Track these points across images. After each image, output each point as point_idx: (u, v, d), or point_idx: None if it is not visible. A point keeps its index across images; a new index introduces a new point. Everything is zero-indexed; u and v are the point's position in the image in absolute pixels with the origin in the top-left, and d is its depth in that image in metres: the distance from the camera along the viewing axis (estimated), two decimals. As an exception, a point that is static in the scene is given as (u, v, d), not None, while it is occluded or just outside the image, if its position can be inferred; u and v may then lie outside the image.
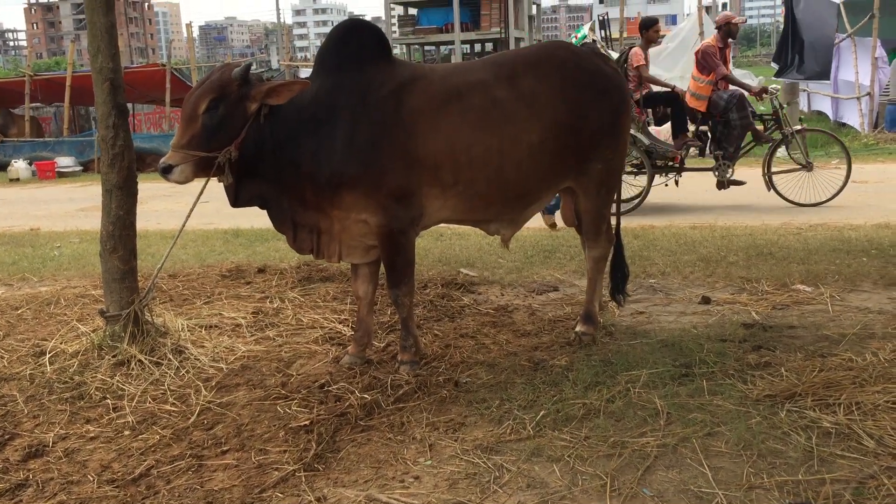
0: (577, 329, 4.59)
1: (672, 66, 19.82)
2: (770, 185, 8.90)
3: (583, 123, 4.22)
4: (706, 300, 5.20)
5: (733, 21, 8.84)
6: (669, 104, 9.13)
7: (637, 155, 8.88)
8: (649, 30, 9.23)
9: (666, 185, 9.31)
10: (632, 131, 8.78)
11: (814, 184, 8.83)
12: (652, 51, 21.84)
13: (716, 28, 9.03)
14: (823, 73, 15.15)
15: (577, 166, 4.32)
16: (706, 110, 8.76)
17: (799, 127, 9.20)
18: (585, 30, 9.96)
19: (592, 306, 4.64)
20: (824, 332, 4.44)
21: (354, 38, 4.07)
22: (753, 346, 4.27)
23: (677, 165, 9.02)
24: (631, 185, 9.10)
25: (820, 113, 21.48)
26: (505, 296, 5.63)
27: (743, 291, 5.38)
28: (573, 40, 9.49)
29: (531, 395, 3.76)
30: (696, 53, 8.97)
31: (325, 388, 3.92)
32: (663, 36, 20.96)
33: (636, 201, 9.01)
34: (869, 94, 16.00)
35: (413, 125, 3.95)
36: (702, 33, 16.39)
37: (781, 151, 9.14)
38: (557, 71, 4.22)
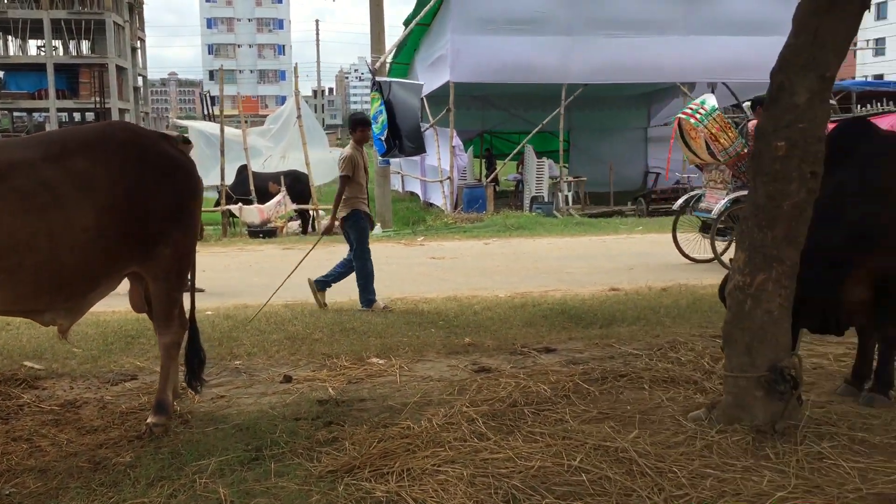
0: (149, 420, 4.35)
1: (277, 143, 20.54)
2: None
3: (146, 207, 4.09)
4: (287, 379, 5.28)
5: None
6: None
7: None
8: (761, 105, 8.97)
9: None
10: None
11: None
12: (257, 129, 22.30)
13: None
14: (419, 149, 16.65)
15: (142, 251, 4.16)
16: None
17: None
18: (713, 101, 8.85)
19: (165, 395, 4.45)
20: (390, 402, 4.75)
21: None
22: (325, 423, 4.39)
23: None
24: None
25: (413, 194, 23.61)
26: (75, 389, 5.16)
27: (324, 367, 5.56)
28: (701, 112, 8.49)
29: (85, 501, 3.45)
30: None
31: None
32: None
33: None
34: (449, 178, 18.00)
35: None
36: (299, 116, 17.28)
37: None
38: (117, 152, 4.06)
